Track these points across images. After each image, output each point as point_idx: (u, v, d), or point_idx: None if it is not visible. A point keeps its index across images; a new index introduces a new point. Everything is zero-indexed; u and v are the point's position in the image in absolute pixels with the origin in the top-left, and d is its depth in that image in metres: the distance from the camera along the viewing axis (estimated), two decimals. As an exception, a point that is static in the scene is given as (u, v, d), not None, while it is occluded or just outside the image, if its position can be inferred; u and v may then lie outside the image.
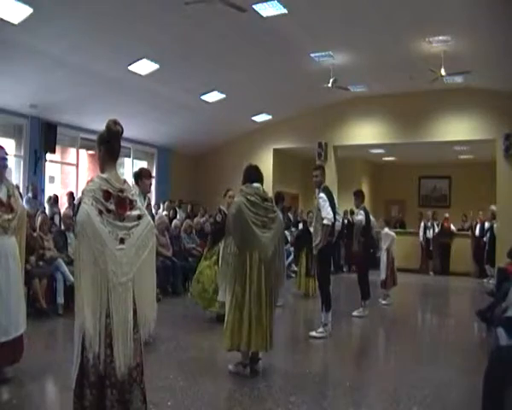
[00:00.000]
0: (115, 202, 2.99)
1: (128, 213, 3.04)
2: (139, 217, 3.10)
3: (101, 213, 2.93)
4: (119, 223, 2.99)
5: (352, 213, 12.62)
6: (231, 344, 4.73)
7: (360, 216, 8.27)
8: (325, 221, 6.31)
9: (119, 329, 2.91)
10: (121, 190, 3.04)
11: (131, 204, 3.09)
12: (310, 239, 10.02)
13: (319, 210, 6.43)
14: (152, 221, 3.25)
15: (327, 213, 6.30)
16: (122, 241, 2.98)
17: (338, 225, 6.91)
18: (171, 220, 10.93)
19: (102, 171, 3.11)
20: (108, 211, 2.95)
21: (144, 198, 5.97)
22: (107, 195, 2.96)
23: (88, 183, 3.05)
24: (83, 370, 2.90)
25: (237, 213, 4.72)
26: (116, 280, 2.92)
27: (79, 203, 2.99)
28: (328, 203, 6.35)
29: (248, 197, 4.76)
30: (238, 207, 4.73)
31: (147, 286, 3.10)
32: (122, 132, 3.15)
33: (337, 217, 6.77)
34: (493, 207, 13.03)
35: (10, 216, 4.29)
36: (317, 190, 6.75)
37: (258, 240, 4.71)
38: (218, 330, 6.17)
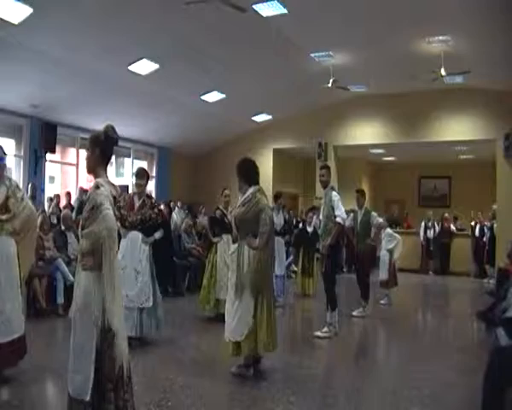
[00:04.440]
0: (117, 208, 3.05)
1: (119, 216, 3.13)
2: None
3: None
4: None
5: (353, 212, 12.62)
6: (252, 349, 4.67)
7: (380, 219, 8.41)
8: (338, 219, 6.27)
9: (122, 329, 2.95)
10: (119, 195, 3.11)
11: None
12: (307, 239, 10.08)
13: (332, 208, 6.38)
14: None
15: (341, 212, 6.29)
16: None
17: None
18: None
19: (94, 172, 3.12)
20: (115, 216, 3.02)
21: (139, 198, 5.88)
22: (114, 200, 3.02)
23: (97, 187, 3.02)
24: (100, 374, 2.87)
25: (268, 217, 4.68)
26: (117, 284, 2.96)
27: (97, 207, 2.94)
28: (340, 202, 6.36)
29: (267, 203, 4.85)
30: (267, 210, 4.73)
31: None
32: (118, 140, 3.18)
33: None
34: (495, 206, 13.03)
35: (4, 217, 4.28)
36: (323, 190, 6.74)
37: (273, 239, 4.80)
38: (218, 330, 6.17)
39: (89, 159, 3.17)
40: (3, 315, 4.20)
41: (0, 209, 4.28)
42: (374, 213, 8.43)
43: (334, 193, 6.44)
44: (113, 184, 3.13)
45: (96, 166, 3.13)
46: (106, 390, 2.87)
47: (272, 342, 4.70)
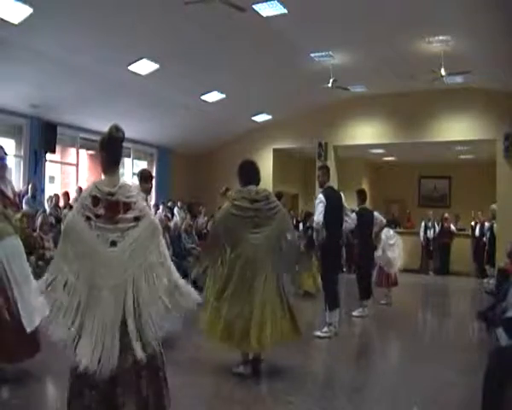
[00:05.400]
0: (104, 206, 2.99)
1: (121, 215, 3.01)
2: (136, 218, 3.06)
3: (89, 218, 2.94)
4: (111, 226, 2.97)
5: (353, 212, 12.66)
6: (211, 334, 4.82)
7: (349, 221, 8.31)
8: (314, 223, 6.39)
9: (102, 332, 2.86)
10: (110, 194, 3.03)
11: (127, 206, 3.06)
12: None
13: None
14: (156, 221, 3.22)
15: (316, 215, 6.34)
16: (114, 243, 2.96)
17: (346, 226, 6.94)
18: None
19: (104, 174, 3.15)
20: (97, 216, 2.96)
21: (146, 200, 5.98)
22: (95, 200, 2.99)
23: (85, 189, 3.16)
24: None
25: (221, 221, 4.84)
26: (103, 283, 2.89)
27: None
28: (322, 205, 6.34)
29: (235, 202, 4.82)
30: (221, 216, 4.87)
31: (153, 289, 3.03)
32: (123, 138, 3.18)
33: (346, 218, 6.80)
34: (494, 206, 13.04)
35: (19, 215, 4.41)
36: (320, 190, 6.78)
37: (246, 242, 4.71)
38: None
39: (100, 163, 3.21)
40: (30, 305, 4.31)
41: (15, 207, 4.41)
42: (352, 215, 8.39)
43: (319, 195, 6.49)
44: (109, 183, 3.11)
45: (106, 168, 3.16)
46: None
47: (232, 337, 4.65)
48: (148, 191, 6.08)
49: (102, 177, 3.14)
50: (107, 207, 3.00)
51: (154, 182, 11.23)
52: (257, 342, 4.59)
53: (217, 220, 4.91)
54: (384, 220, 9.18)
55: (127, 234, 3.00)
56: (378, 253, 9.27)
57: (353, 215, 8.25)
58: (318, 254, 6.80)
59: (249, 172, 4.96)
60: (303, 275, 10.09)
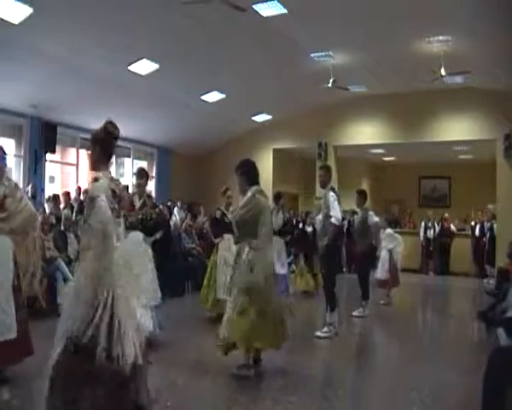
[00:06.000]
0: (117, 201, 3.03)
1: (122, 211, 3.17)
2: (124, 216, 3.27)
3: (112, 211, 2.99)
4: (117, 220, 3.06)
5: (354, 213, 12.66)
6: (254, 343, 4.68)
7: (376, 218, 8.39)
8: (333, 220, 6.28)
9: (121, 329, 2.92)
10: (121, 190, 3.11)
11: (121, 205, 3.20)
12: (307, 239, 10.16)
13: (328, 208, 6.39)
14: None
15: (336, 212, 6.29)
16: (118, 238, 3.04)
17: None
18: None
19: (96, 169, 3.14)
20: (113, 209, 2.99)
21: (139, 198, 5.93)
22: (114, 194, 3.01)
23: (94, 181, 3.05)
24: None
25: (268, 217, 4.78)
26: (114, 281, 2.93)
27: (93, 199, 2.93)
28: (337, 202, 6.35)
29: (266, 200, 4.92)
30: (267, 210, 4.83)
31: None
32: (118, 135, 3.18)
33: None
34: (490, 207, 13.05)
35: (4, 215, 4.30)
36: (321, 190, 6.77)
37: (271, 240, 4.86)
38: (218, 330, 6.18)
39: (91, 157, 3.21)
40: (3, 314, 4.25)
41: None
42: (370, 213, 8.45)
43: (331, 193, 6.45)
44: (114, 179, 3.15)
45: (98, 163, 3.16)
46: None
47: (261, 342, 4.67)
48: (140, 187, 6.03)
49: (100, 173, 3.11)
50: (119, 202, 3.06)
51: (152, 181, 11.15)
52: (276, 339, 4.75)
53: (267, 217, 4.78)
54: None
55: (122, 230, 3.08)
56: (383, 253, 9.30)
57: (371, 213, 8.38)
58: (319, 255, 6.77)
59: (254, 171, 5.01)
60: (305, 275, 10.11)
